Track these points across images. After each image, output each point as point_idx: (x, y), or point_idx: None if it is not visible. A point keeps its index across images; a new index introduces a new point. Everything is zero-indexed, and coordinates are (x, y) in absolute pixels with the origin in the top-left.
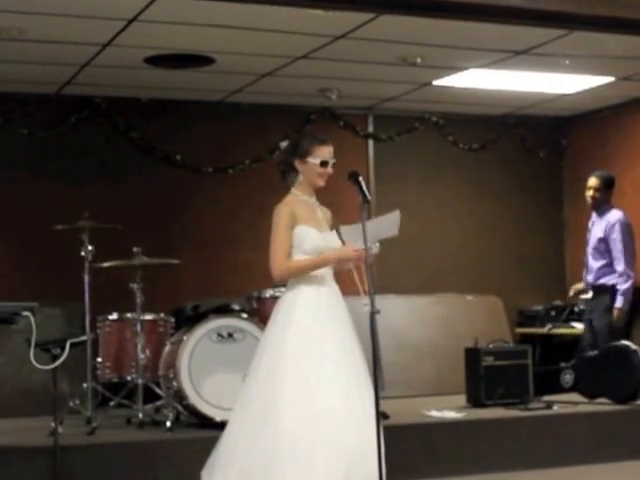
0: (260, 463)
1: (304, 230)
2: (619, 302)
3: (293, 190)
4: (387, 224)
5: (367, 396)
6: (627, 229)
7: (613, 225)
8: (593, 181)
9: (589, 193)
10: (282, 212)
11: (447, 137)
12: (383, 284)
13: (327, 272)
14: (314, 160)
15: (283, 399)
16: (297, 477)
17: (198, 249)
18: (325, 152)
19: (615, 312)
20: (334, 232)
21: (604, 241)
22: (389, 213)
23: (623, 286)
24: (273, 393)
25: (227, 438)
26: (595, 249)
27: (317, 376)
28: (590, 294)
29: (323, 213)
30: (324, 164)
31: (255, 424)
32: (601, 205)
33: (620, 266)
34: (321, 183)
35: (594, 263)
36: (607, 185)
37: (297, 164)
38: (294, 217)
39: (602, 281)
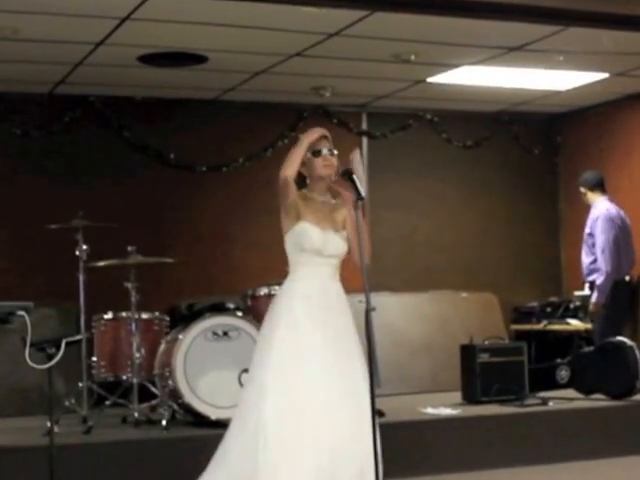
0: (248, 466)
1: (304, 227)
2: (593, 296)
3: (302, 190)
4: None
5: (363, 395)
6: (610, 223)
7: (596, 220)
8: (579, 186)
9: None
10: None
11: (441, 134)
12: (378, 281)
13: (328, 270)
14: (307, 154)
15: (267, 400)
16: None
17: (192, 248)
18: (317, 142)
19: (590, 306)
20: (338, 233)
21: (591, 236)
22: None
23: (599, 280)
24: (259, 393)
25: (224, 440)
26: (586, 245)
27: (303, 374)
28: (587, 290)
29: (334, 210)
30: (316, 153)
31: (244, 424)
32: (591, 204)
33: (600, 260)
34: (325, 172)
35: (585, 259)
36: (590, 187)
37: (302, 170)
38: (298, 202)
39: (591, 277)
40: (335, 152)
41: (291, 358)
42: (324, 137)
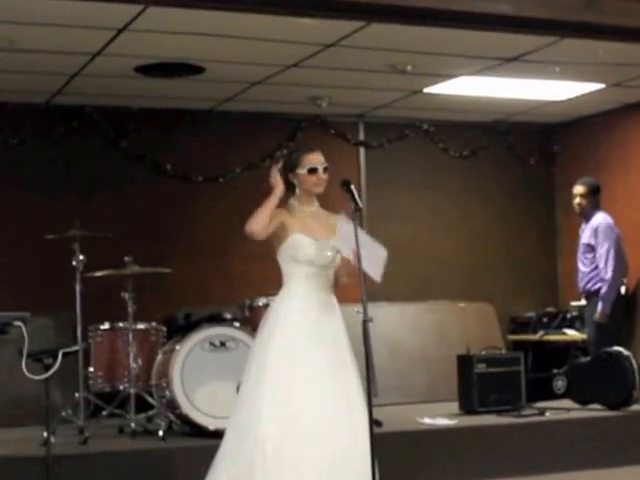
0: (244, 474)
1: (298, 238)
2: (599, 306)
3: (290, 201)
4: (374, 252)
5: (357, 406)
6: (610, 232)
7: (596, 229)
8: (578, 189)
9: (575, 201)
10: (275, 211)
11: (438, 144)
12: (375, 292)
13: (321, 280)
14: (302, 170)
15: (264, 412)
16: None
17: (189, 258)
18: (312, 159)
19: (596, 315)
20: (331, 241)
21: (590, 247)
22: (378, 247)
23: (604, 289)
24: (256, 405)
25: (220, 450)
26: (583, 255)
27: (299, 387)
28: (583, 301)
29: (327, 219)
30: (312, 171)
31: (239, 437)
32: (588, 212)
33: (603, 271)
34: (317, 190)
35: (583, 269)
36: (592, 192)
37: (291, 178)
38: (285, 220)
39: (590, 287)
40: (327, 166)
41: (287, 370)
42: (319, 152)
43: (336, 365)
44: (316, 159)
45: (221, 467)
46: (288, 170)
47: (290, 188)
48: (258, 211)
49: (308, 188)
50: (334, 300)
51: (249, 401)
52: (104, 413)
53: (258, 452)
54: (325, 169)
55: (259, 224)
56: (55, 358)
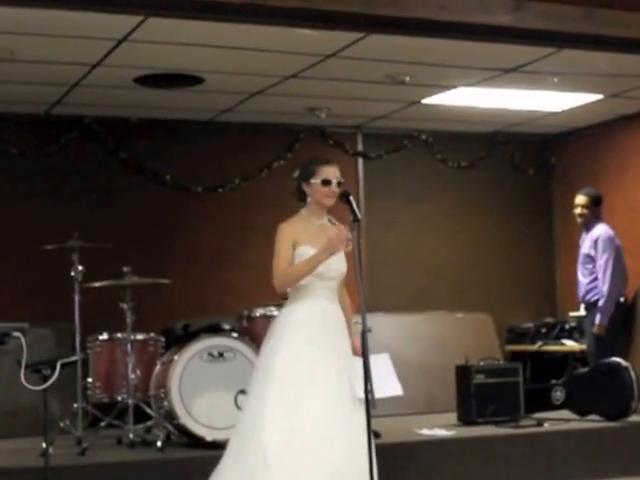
0: None
1: (306, 250)
2: (597, 318)
3: (301, 211)
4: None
5: (357, 418)
6: (610, 244)
7: (596, 240)
8: (580, 199)
9: (577, 211)
10: (283, 229)
11: (436, 155)
12: (373, 302)
13: (327, 292)
14: (316, 180)
15: (267, 422)
16: None
17: (188, 268)
18: (327, 172)
19: (595, 327)
20: (341, 253)
21: (590, 257)
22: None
23: (602, 301)
24: (259, 415)
25: (222, 459)
26: (583, 265)
27: (303, 397)
28: (582, 311)
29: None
30: (325, 182)
31: (241, 446)
32: (589, 222)
33: (602, 282)
34: (328, 202)
35: (582, 280)
36: (594, 202)
37: (304, 187)
38: (296, 235)
39: (589, 297)
40: (342, 181)
41: (292, 384)
42: (336, 166)
43: (340, 377)
44: (331, 172)
45: (222, 477)
46: (302, 179)
47: (302, 198)
48: (295, 271)
49: (319, 199)
50: (340, 311)
51: (252, 412)
52: (102, 424)
53: (259, 462)
54: (339, 183)
55: (285, 286)
56: (53, 369)
